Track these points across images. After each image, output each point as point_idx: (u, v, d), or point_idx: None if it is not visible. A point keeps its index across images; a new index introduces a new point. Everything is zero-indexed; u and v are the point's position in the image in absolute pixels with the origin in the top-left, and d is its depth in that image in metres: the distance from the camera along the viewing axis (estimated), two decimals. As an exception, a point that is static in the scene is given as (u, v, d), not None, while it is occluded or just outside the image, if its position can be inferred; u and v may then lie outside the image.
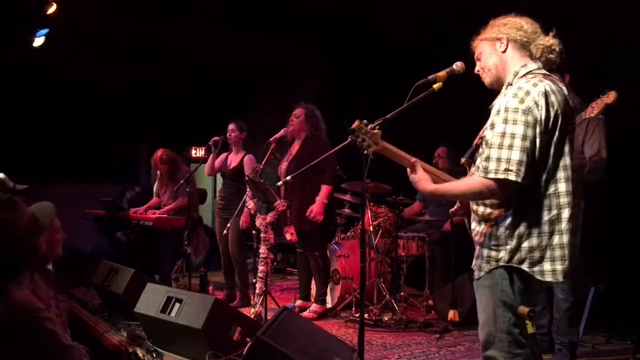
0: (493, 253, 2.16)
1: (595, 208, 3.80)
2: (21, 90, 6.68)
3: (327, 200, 4.82)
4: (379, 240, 5.19)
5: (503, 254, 2.13)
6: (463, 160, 2.38)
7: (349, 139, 2.16)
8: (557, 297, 3.66)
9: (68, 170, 7.25)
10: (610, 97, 3.21)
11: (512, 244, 2.11)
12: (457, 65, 2.45)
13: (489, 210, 2.17)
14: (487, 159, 2.07)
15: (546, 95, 2.08)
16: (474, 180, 2.15)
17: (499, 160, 2.04)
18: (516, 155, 2.02)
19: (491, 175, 2.05)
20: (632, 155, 4.22)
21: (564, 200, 2.10)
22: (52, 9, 5.88)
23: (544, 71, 2.19)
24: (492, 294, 2.17)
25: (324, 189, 4.81)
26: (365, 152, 2.14)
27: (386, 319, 4.69)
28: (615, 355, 3.90)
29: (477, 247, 2.26)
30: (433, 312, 4.93)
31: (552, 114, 2.08)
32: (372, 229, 5.08)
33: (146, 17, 6.65)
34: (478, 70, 2.36)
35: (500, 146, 2.05)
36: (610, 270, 4.32)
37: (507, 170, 2.02)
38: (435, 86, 2.41)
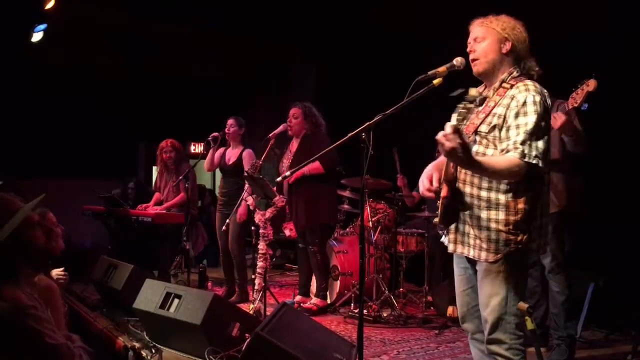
0: (512, 236, 2.28)
1: (596, 204, 3.82)
2: (20, 86, 6.67)
3: (307, 171, 4.72)
4: (378, 236, 5.19)
5: (522, 237, 2.28)
6: None
7: (462, 104, 2.24)
8: (553, 291, 3.67)
9: (67, 165, 7.24)
10: (591, 85, 3.23)
11: (527, 227, 2.29)
12: (458, 61, 2.44)
13: (495, 195, 2.30)
14: (523, 143, 2.22)
15: (548, 97, 2.32)
16: (512, 159, 2.23)
17: (531, 146, 2.22)
18: (542, 145, 2.24)
19: (526, 159, 2.21)
20: (632, 153, 4.22)
21: (547, 189, 2.40)
22: (51, 4, 5.86)
23: None
24: (506, 279, 2.31)
25: (314, 164, 4.69)
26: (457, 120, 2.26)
27: (385, 315, 4.70)
28: (614, 350, 3.90)
29: (483, 232, 2.33)
30: (432, 308, 4.94)
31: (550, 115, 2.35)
32: (371, 225, 5.08)
33: (145, 14, 6.63)
34: (471, 50, 2.43)
35: (532, 134, 2.23)
36: (609, 267, 4.33)
37: (536, 157, 2.22)
38: (436, 82, 2.40)
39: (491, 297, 2.33)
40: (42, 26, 6.15)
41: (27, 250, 2.18)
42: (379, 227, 5.20)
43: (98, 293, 4.78)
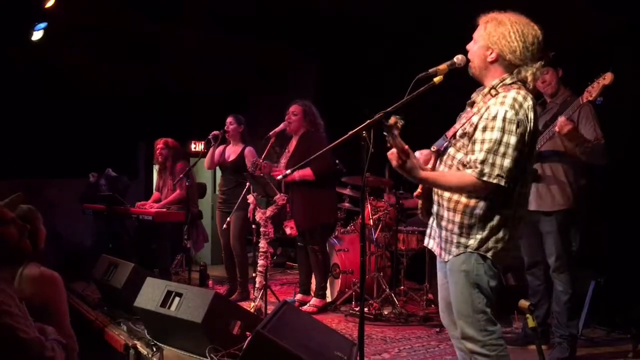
0: (463, 239, 2.32)
1: (596, 202, 3.81)
2: (21, 86, 6.66)
3: (297, 178, 4.70)
4: (379, 234, 5.19)
5: (472, 242, 2.31)
6: (433, 148, 2.46)
7: (385, 135, 2.17)
8: (557, 290, 3.67)
9: (67, 165, 7.23)
10: (607, 78, 3.21)
11: (483, 234, 2.29)
12: (458, 59, 2.43)
13: (457, 198, 2.32)
14: (483, 162, 2.20)
15: (534, 109, 2.26)
16: (466, 177, 2.25)
17: (493, 165, 2.19)
18: (508, 163, 2.19)
19: (485, 178, 2.20)
20: (633, 148, 4.21)
21: (526, 200, 2.37)
22: (50, 2, 5.84)
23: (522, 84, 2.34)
24: (467, 277, 2.32)
25: (306, 171, 4.70)
26: (388, 145, 2.18)
27: (386, 312, 4.70)
28: (615, 348, 3.90)
29: (442, 231, 2.40)
30: (433, 305, 4.93)
31: (536, 127, 2.28)
32: (372, 223, 5.07)
33: (145, 15, 6.62)
34: (468, 49, 2.43)
35: (496, 152, 2.20)
36: (610, 264, 4.32)
37: (499, 176, 2.19)
38: (436, 79, 2.38)
39: (456, 295, 2.37)
40: (42, 25, 6.13)
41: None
42: (380, 225, 5.20)
43: (99, 292, 4.78)
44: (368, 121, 2.44)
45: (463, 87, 2.55)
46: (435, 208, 2.44)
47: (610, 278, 4.23)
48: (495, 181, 2.18)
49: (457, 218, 2.32)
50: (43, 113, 6.91)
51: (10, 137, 6.54)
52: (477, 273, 2.30)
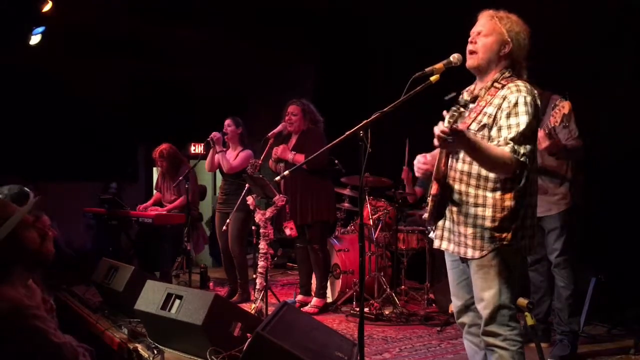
0: (497, 233, 2.33)
1: (596, 198, 3.81)
2: (19, 89, 6.67)
3: (292, 158, 4.77)
4: (379, 233, 5.19)
5: (506, 234, 2.32)
6: None
7: (453, 109, 2.20)
8: (559, 286, 3.68)
9: (67, 168, 7.25)
10: (566, 107, 3.19)
11: (515, 225, 2.33)
12: (454, 57, 2.43)
13: (483, 193, 2.35)
14: (514, 139, 2.26)
15: (538, 97, 2.37)
16: (506, 152, 2.26)
17: (520, 145, 2.26)
18: (530, 146, 2.29)
19: (516, 155, 2.25)
20: (633, 144, 4.21)
21: (537, 188, 2.44)
22: (48, 6, 5.85)
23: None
24: (498, 273, 2.34)
25: (299, 157, 4.74)
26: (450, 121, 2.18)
27: (387, 312, 4.70)
28: (616, 345, 3.90)
29: (469, 229, 2.37)
30: (434, 305, 4.93)
31: (540, 115, 2.40)
32: (371, 223, 5.07)
33: (144, 16, 6.63)
34: (472, 41, 2.45)
35: (523, 135, 2.27)
36: (610, 261, 4.32)
37: (525, 155, 2.26)
38: (433, 78, 2.39)
39: (484, 291, 2.38)
40: (41, 29, 6.14)
41: (21, 251, 2.18)
42: (380, 225, 5.20)
43: (99, 295, 4.78)
44: (365, 121, 2.45)
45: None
46: (455, 208, 2.43)
47: (611, 274, 4.22)
48: (523, 159, 2.24)
49: (488, 212, 2.33)
50: (42, 116, 6.93)
51: (9, 141, 6.55)
52: (507, 267, 2.34)
